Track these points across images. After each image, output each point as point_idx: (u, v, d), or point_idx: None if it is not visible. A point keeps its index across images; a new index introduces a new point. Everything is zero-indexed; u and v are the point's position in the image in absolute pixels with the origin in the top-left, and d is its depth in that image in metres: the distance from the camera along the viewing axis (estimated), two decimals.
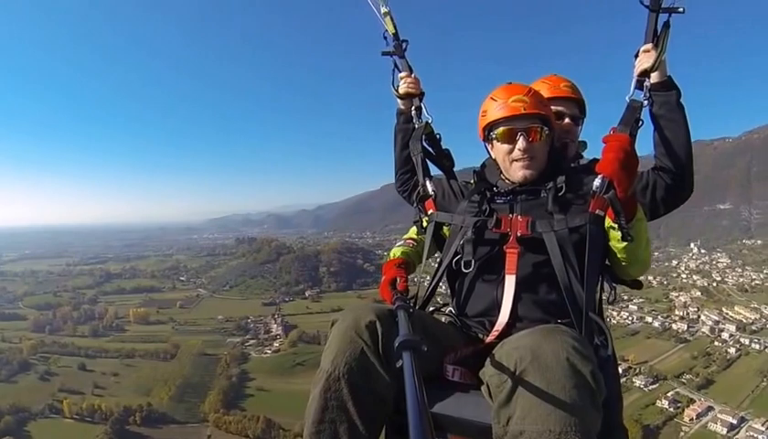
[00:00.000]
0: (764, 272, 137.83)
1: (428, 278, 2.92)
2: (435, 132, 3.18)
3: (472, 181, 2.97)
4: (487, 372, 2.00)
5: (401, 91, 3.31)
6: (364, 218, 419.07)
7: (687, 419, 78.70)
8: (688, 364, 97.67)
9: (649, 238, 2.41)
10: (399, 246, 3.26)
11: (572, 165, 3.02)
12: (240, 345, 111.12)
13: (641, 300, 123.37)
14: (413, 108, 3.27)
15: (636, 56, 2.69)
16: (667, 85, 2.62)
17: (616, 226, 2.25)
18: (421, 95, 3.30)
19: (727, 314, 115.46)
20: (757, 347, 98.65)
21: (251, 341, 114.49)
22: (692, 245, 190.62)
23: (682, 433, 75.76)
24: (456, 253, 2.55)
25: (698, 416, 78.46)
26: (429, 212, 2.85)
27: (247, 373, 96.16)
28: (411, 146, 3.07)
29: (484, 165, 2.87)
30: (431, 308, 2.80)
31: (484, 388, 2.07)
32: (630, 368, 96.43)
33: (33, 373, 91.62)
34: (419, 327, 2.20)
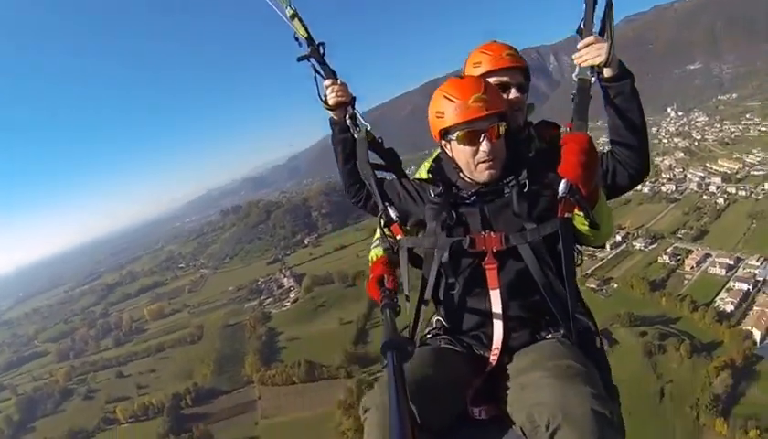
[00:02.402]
0: (742, 123, 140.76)
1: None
2: (378, 137, 3.09)
3: (424, 176, 2.99)
4: (518, 419, 2.14)
5: (331, 101, 3.05)
6: None
7: (688, 268, 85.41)
8: (681, 220, 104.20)
9: (610, 212, 2.54)
10: (377, 246, 3.29)
11: (523, 133, 2.96)
12: (258, 307, 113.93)
13: None
14: (347, 116, 3.05)
15: (578, 32, 2.58)
16: (620, 74, 2.49)
17: (582, 214, 2.34)
18: (352, 101, 3.10)
19: (711, 168, 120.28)
20: (743, 193, 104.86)
21: (268, 300, 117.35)
22: (669, 110, 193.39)
23: (686, 281, 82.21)
24: (439, 276, 2.53)
25: (698, 264, 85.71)
26: (398, 238, 2.73)
27: (274, 329, 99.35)
28: (362, 171, 2.95)
29: (438, 160, 2.79)
30: (428, 334, 2.74)
31: (516, 427, 2.21)
32: (628, 233, 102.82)
33: (76, 396, 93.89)
34: (427, 375, 2.26)
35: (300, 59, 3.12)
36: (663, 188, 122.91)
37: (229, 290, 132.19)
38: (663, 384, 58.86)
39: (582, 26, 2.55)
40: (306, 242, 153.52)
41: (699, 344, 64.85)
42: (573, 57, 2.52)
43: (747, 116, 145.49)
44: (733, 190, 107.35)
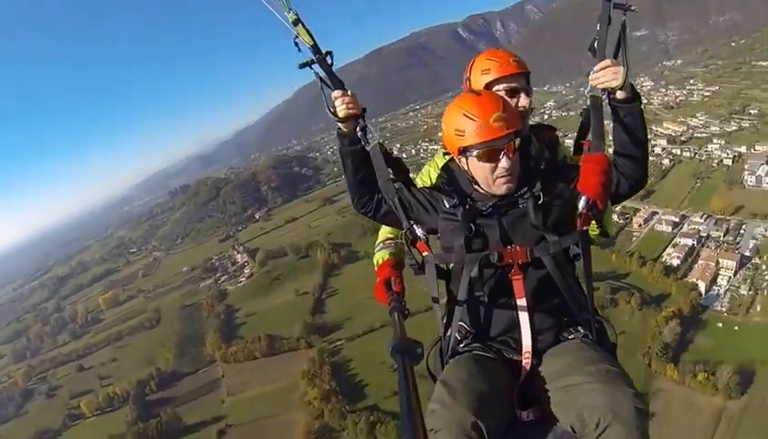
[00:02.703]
0: (687, 88, 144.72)
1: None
2: (389, 149, 3.07)
3: (426, 181, 3.23)
4: (567, 419, 2.37)
5: (342, 114, 2.92)
6: (286, 128, 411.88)
7: (636, 226, 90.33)
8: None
9: (611, 213, 2.84)
10: (381, 250, 3.38)
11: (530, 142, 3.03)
12: (214, 285, 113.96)
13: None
14: (358, 128, 2.94)
15: (590, 50, 2.77)
16: (632, 97, 2.62)
17: (596, 224, 2.62)
18: (363, 113, 2.98)
19: (657, 130, 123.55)
20: (688, 154, 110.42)
21: (223, 277, 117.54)
22: None
23: (634, 238, 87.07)
24: (470, 289, 2.63)
25: (645, 222, 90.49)
26: (424, 255, 2.80)
27: (231, 306, 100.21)
28: (385, 189, 2.90)
29: (449, 170, 2.86)
30: (459, 343, 2.80)
31: (565, 425, 2.42)
32: None
33: (38, 396, 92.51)
34: (482, 387, 2.40)
35: (302, 66, 3.01)
36: (609, 150, 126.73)
37: (183, 271, 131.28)
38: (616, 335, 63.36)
39: (596, 45, 2.75)
40: (257, 217, 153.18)
41: (649, 296, 69.15)
42: (590, 78, 2.67)
43: (691, 82, 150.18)
44: (678, 151, 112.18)
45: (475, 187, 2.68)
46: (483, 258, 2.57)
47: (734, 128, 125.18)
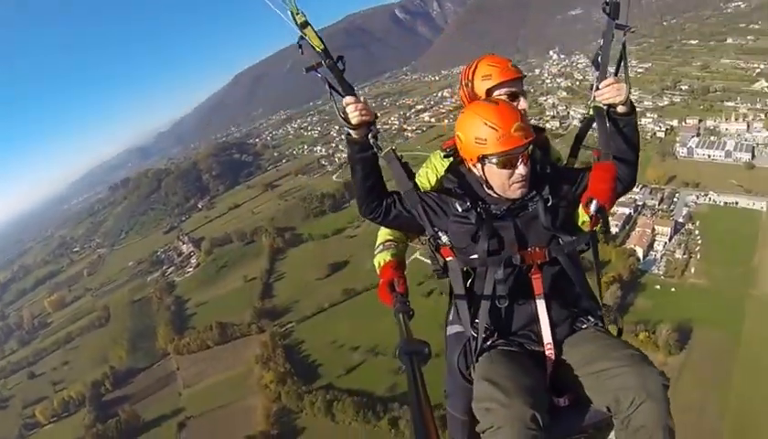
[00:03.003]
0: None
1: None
2: (399, 155, 3.02)
3: (425, 182, 3.32)
4: (602, 401, 2.60)
5: (355, 121, 2.83)
6: (224, 115, 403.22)
7: None
8: (565, 153, 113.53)
9: None
10: (381, 251, 3.44)
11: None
12: (162, 278, 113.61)
13: None
14: (370, 135, 2.87)
15: (593, 63, 3.03)
16: (630, 110, 2.82)
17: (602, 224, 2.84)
18: (375, 119, 2.95)
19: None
20: None
21: (170, 269, 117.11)
22: (551, 52, 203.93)
23: None
24: (494, 289, 2.77)
25: None
26: (448, 259, 2.87)
27: (180, 297, 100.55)
28: (409, 199, 2.91)
29: (459, 174, 2.93)
30: (485, 340, 2.86)
31: (601, 406, 2.63)
32: None
33: None
34: (525, 381, 2.52)
35: (309, 70, 2.87)
36: (548, 125, 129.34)
37: (129, 266, 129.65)
38: None
39: (599, 60, 2.98)
40: (200, 206, 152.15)
41: (590, 263, 73.19)
42: (595, 94, 2.88)
43: None
44: None
45: (488, 191, 2.81)
46: (506, 260, 2.73)
47: (666, 103, 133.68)
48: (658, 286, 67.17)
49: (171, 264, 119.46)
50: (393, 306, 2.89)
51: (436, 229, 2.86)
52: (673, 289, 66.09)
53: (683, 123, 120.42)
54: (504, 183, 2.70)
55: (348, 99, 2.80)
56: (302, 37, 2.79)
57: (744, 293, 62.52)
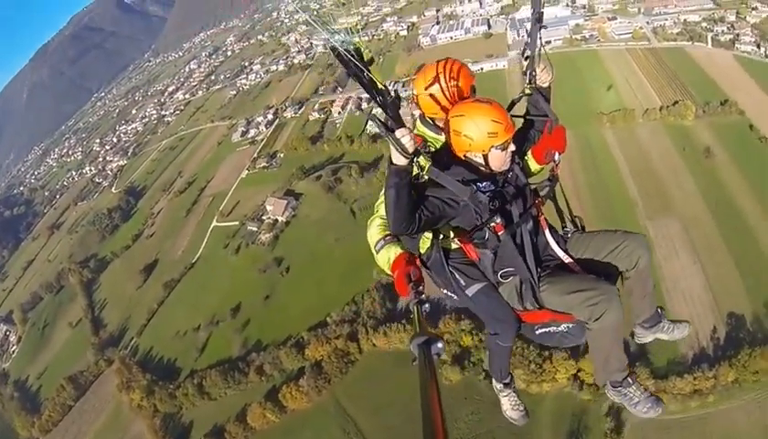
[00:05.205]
0: None
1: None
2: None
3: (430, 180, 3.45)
4: (624, 265, 3.71)
5: (411, 150, 2.90)
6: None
7: (336, 114, 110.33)
8: (318, 80, 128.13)
9: None
10: (385, 246, 3.68)
11: None
12: None
13: None
14: (415, 160, 2.98)
15: (526, 58, 3.79)
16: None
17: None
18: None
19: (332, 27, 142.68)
20: (367, 38, 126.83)
21: None
22: None
23: (338, 125, 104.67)
24: (529, 238, 3.60)
25: (343, 108, 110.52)
26: (500, 233, 3.46)
27: (18, 380, 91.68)
28: (472, 201, 3.32)
29: (444, 166, 3.33)
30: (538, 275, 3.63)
31: (623, 267, 3.75)
32: (277, 109, 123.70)
33: None
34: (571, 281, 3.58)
35: (370, 117, 3.19)
36: (295, 60, 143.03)
37: None
38: (350, 205, 78.36)
39: (528, 51, 3.77)
40: None
41: (365, 164, 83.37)
42: (539, 80, 3.84)
43: None
44: (357, 39, 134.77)
45: (481, 169, 3.48)
46: (528, 215, 3.60)
47: (403, 3, 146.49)
48: None
49: None
50: (410, 298, 3.05)
51: (484, 218, 3.41)
52: None
53: (422, 17, 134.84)
54: (503, 161, 3.51)
55: (404, 130, 2.90)
56: (368, 74, 2.78)
57: None
